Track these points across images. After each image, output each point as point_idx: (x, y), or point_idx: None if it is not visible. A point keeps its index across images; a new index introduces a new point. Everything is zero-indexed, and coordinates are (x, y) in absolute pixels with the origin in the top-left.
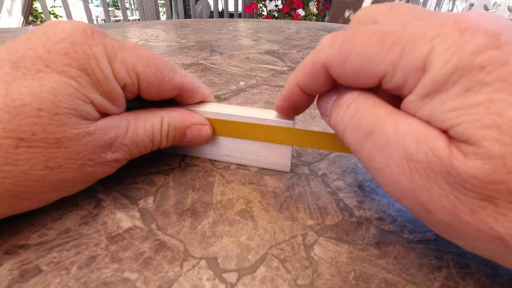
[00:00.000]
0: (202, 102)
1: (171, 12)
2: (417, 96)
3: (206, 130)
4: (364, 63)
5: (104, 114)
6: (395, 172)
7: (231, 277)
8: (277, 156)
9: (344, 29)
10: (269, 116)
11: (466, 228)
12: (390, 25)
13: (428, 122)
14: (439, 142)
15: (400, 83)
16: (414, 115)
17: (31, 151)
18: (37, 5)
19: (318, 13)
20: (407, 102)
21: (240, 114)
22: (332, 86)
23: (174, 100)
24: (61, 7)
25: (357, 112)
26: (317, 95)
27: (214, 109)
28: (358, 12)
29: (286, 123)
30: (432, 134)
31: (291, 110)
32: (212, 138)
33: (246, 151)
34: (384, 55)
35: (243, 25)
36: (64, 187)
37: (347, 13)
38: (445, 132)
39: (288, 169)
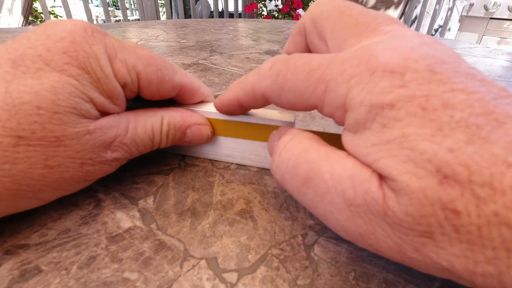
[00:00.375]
0: (202, 102)
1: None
2: (348, 132)
3: (206, 130)
4: (297, 97)
5: (104, 113)
6: (339, 219)
7: (231, 277)
8: None
9: (280, 56)
10: (269, 116)
11: (416, 263)
12: (317, 60)
13: (357, 158)
14: (373, 184)
15: (329, 115)
16: (349, 151)
17: (31, 149)
18: (37, 5)
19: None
20: (343, 137)
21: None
22: (268, 105)
23: (174, 100)
24: (61, 7)
25: (290, 159)
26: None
27: (214, 109)
28: (312, 9)
29: (286, 123)
30: (365, 176)
31: (228, 114)
32: (212, 138)
33: (246, 151)
34: (311, 92)
35: (243, 25)
36: (63, 186)
37: None
38: (370, 168)
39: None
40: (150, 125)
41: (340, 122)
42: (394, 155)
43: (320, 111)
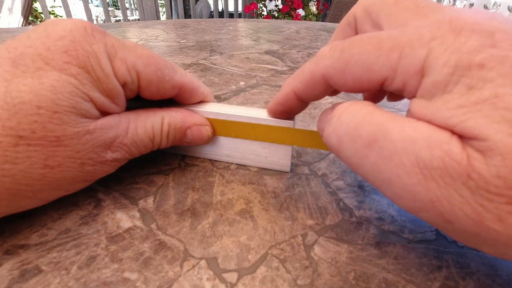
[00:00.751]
0: (202, 102)
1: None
2: (421, 99)
3: (206, 130)
4: (364, 71)
5: (104, 113)
6: (408, 183)
7: (231, 277)
8: (277, 156)
9: (340, 41)
10: (269, 116)
11: (494, 236)
12: (386, 32)
13: (432, 123)
14: (455, 145)
15: (401, 86)
16: (419, 119)
17: (31, 149)
18: (37, 5)
19: (318, 13)
20: (412, 107)
21: (240, 114)
22: (327, 94)
23: (174, 100)
24: (61, 7)
25: (352, 121)
26: (320, 114)
27: (214, 109)
28: (365, 0)
29: (286, 123)
30: (444, 137)
31: (284, 114)
32: (212, 138)
33: (246, 151)
34: (383, 61)
35: (243, 25)
36: (63, 186)
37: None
38: (452, 132)
39: (288, 169)
40: (150, 125)
41: (412, 93)
42: (486, 115)
43: (389, 85)
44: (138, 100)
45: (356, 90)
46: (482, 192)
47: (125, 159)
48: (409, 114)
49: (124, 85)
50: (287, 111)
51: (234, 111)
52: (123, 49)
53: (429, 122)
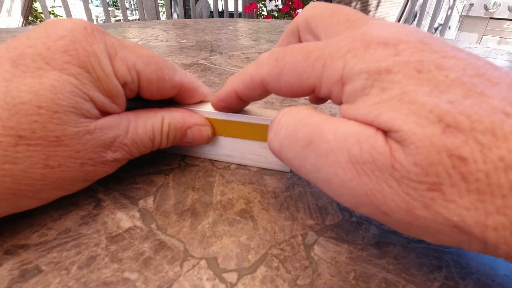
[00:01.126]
0: (202, 102)
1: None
2: (346, 104)
3: (207, 130)
4: (296, 79)
5: (104, 113)
6: (344, 179)
7: (231, 277)
8: None
9: (277, 48)
10: (269, 116)
11: (425, 223)
12: (314, 43)
13: (356, 120)
14: (379, 138)
15: (327, 93)
16: (348, 119)
17: (31, 149)
18: (37, 5)
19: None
20: (341, 111)
21: (240, 114)
22: (266, 96)
23: (174, 100)
24: (61, 7)
25: (290, 124)
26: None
27: (214, 109)
28: (306, 11)
29: None
30: (371, 132)
31: (226, 109)
32: (212, 138)
33: (246, 151)
34: (310, 71)
35: (243, 25)
36: (64, 186)
37: None
38: (372, 126)
39: (288, 169)
40: (150, 125)
41: (338, 100)
42: (396, 109)
43: (318, 93)
44: (138, 100)
45: (291, 96)
46: (406, 181)
47: (125, 159)
48: (342, 115)
49: (124, 85)
50: (229, 107)
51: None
52: (123, 48)
53: (354, 120)
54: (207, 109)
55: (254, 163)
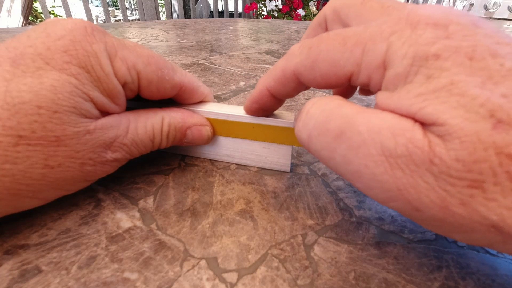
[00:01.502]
0: (202, 102)
1: (171, 12)
2: (386, 91)
3: (207, 130)
4: (331, 66)
5: (104, 113)
6: (375, 173)
7: (231, 277)
8: (277, 156)
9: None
10: (269, 116)
11: (459, 221)
12: (351, 29)
13: (396, 112)
14: (417, 132)
15: (366, 80)
16: (384, 110)
17: (31, 149)
18: (37, 5)
19: (318, 13)
20: (378, 99)
21: (240, 114)
22: (300, 91)
23: (174, 100)
24: (61, 7)
25: (320, 115)
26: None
27: (214, 109)
28: (334, 1)
29: (286, 123)
30: (407, 125)
31: (260, 111)
32: (212, 138)
33: (246, 151)
34: (348, 57)
35: (243, 25)
36: (64, 186)
37: None
38: (414, 119)
39: (288, 169)
40: (150, 125)
41: (377, 86)
42: (443, 101)
43: (355, 80)
44: (138, 100)
45: (325, 86)
46: (444, 176)
47: (125, 159)
48: (376, 107)
49: (124, 85)
50: (263, 109)
51: (234, 111)
52: (124, 48)
53: (393, 112)
54: (207, 109)
55: (254, 163)
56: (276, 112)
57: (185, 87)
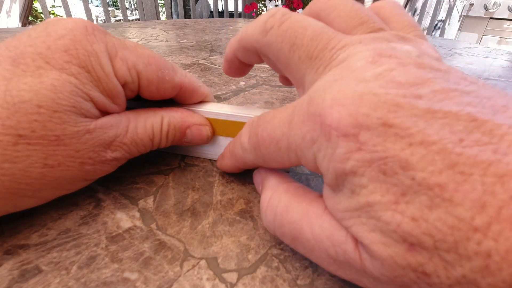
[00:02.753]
0: (202, 102)
1: (171, 12)
2: (328, 188)
3: (206, 130)
4: (279, 164)
5: (104, 112)
6: (330, 269)
7: (231, 277)
8: None
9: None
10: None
11: None
12: (278, 124)
13: (333, 214)
14: (349, 245)
15: (316, 167)
16: (327, 207)
17: (31, 148)
18: (37, 5)
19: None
20: (324, 194)
21: (240, 114)
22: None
23: (174, 100)
24: (61, 7)
25: (275, 220)
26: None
27: (214, 109)
28: (257, 38)
29: None
30: (341, 238)
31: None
32: (212, 138)
33: None
34: (288, 159)
35: (243, 25)
36: (63, 185)
37: None
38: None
39: (288, 169)
40: (150, 125)
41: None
42: (363, 223)
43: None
44: (138, 100)
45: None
46: (378, 282)
47: (125, 159)
48: (323, 194)
49: (124, 85)
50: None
51: (234, 111)
52: (124, 48)
53: (330, 213)
54: (207, 109)
55: None
56: None
57: (185, 87)
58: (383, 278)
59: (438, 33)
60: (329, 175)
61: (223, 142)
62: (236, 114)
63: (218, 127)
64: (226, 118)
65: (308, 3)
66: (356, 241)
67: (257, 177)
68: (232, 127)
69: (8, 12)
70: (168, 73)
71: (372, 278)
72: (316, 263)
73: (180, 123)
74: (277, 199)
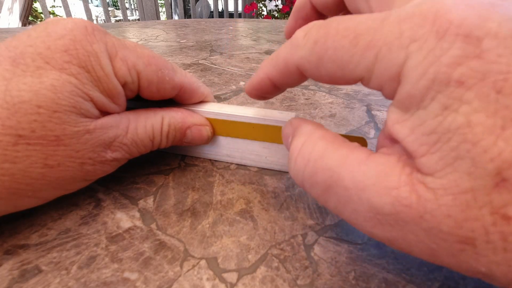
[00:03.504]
0: (202, 102)
1: (171, 12)
2: (397, 109)
3: (206, 130)
4: (339, 69)
5: (104, 113)
6: (365, 226)
7: (231, 277)
8: (277, 156)
9: (316, 22)
10: (269, 116)
11: (448, 265)
12: (364, 22)
13: (402, 143)
14: (403, 190)
15: (377, 87)
16: (391, 134)
17: (30, 148)
18: (37, 5)
19: None
20: (389, 119)
21: (240, 114)
22: (304, 81)
23: (174, 100)
24: (61, 7)
25: (306, 167)
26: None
27: (214, 109)
28: None
29: (286, 123)
30: (393, 183)
31: (260, 98)
32: (212, 138)
33: (246, 151)
34: (358, 60)
35: (243, 25)
36: (63, 185)
37: None
38: (411, 157)
39: (288, 169)
40: (150, 125)
41: (390, 96)
42: (453, 148)
43: (366, 84)
44: (138, 100)
45: (332, 83)
46: (435, 231)
47: (125, 159)
48: (385, 126)
49: (124, 85)
50: (263, 96)
51: (234, 111)
52: (124, 48)
53: (400, 142)
54: (207, 109)
55: (254, 163)
56: (276, 112)
57: (185, 87)
58: (446, 223)
59: None
60: (421, 82)
61: (223, 142)
62: (236, 114)
63: (218, 127)
64: (226, 118)
65: None
66: (413, 184)
67: (287, 127)
68: (232, 127)
69: (9, 12)
70: (168, 73)
71: (425, 229)
72: (347, 220)
73: (180, 123)
74: (311, 145)
